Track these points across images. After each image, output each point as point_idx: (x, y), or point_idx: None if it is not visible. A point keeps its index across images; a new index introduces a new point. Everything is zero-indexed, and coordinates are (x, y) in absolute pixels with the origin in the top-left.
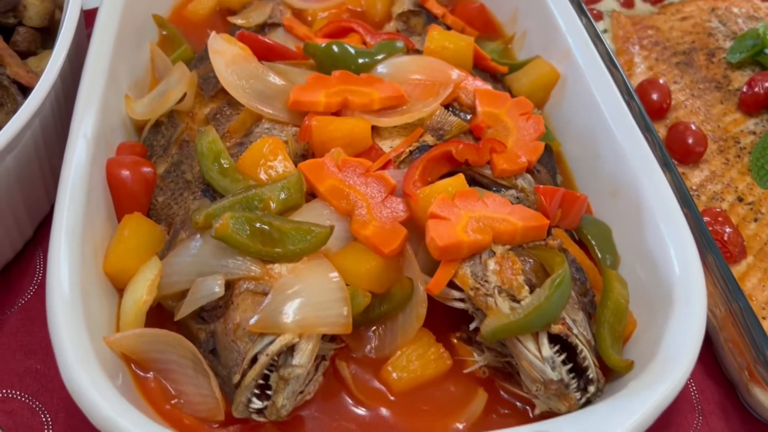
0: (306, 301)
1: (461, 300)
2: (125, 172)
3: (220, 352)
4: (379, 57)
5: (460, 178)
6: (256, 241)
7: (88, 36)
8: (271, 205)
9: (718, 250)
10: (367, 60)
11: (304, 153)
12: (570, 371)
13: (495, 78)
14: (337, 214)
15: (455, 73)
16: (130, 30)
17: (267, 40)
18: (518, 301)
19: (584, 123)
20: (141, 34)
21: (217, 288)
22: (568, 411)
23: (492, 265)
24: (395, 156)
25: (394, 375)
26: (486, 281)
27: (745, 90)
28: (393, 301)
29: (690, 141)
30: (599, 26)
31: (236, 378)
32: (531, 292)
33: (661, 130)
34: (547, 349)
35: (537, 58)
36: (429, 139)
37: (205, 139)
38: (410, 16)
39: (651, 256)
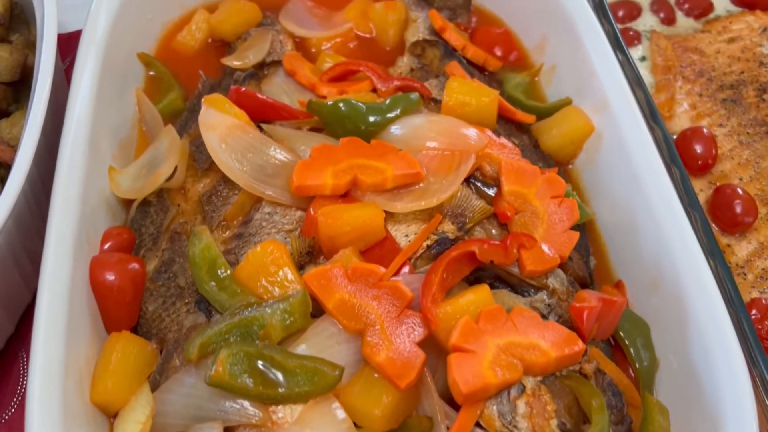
0: None
1: None
2: (111, 277)
3: None
4: (392, 115)
5: (485, 291)
6: (257, 383)
7: (67, 71)
8: (273, 332)
9: None
10: (379, 119)
11: (310, 249)
12: None
13: (521, 128)
14: (348, 333)
15: (477, 138)
16: (113, 76)
17: (266, 99)
18: None
19: (620, 190)
20: (125, 77)
21: None
22: None
23: (522, 407)
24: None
25: None
26: (515, 427)
27: None
28: None
29: (738, 210)
30: (637, 52)
31: None
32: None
33: (705, 189)
34: None
35: (569, 106)
36: (449, 228)
37: (197, 245)
38: (426, 47)
39: (693, 365)
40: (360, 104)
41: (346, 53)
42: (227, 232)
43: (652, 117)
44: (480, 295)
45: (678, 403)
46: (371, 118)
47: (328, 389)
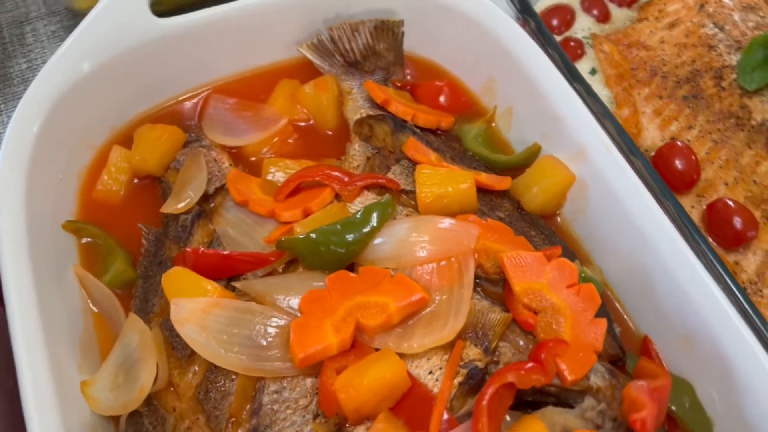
0: None
1: None
2: None
3: None
4: (369, 228)
5: (538, 425)
6: None
7: None
8: None
9: None
10: (356, 236)
11: (338, 426)
12: None
13: (499, 194)
14: None
15: (469, 233)
16: (45, 264)
17: (230, 254)
18: None
19: (621, 241)
20: (58, 259)
21: None
22: None
23: None
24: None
25: None
26: None
27: None
28: None
29: (738, 226)
30: (585, 65)
31: None
32: None
33: (695, 206)
34: None
35: (543, 157)
36: (474, 353)
37: None
38: (372, 124)
39: (746, 419)
40: (333, 227)
41: (288, 151)
42: (239, 430)
43: (629, 149)
44: (534, 428)
45: None
46: (349, 237)
47: None
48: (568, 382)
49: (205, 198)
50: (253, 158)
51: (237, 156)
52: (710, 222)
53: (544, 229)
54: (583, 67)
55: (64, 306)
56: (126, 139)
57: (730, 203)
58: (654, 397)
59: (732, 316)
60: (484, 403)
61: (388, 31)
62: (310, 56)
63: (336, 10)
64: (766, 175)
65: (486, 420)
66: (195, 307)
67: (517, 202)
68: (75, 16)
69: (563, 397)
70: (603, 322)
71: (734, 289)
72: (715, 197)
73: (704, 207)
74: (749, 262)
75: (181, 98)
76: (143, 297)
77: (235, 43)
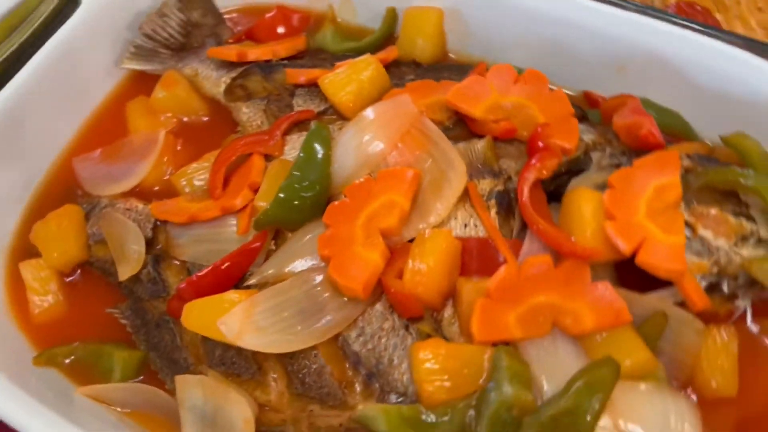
0: None
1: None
2: None
3: None
4: (321, 156)
5: (582, 193)
6: None
7: None
8: None
9: None
10: (316, 171)
11: (434, 319)
12: None
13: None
14: None
15: (403, 102)
16: (53, 413)
17: (216, 266)
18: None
19: (517, 30)
20: (58, 396)
21: None
22: None
23: (707, 234)
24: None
25: None
26: (716, 249)
27: None
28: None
29: None
30: None
31: None
32: (739, 214)
33: None
34: None
35: (405, 13)
36: (488, 185)
37: None
38: (243, 83)
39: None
40: (291, 178)
41: (183, 159)
42: (357, 386)
43: None
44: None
45: None
46: (311, 176)
47: None
48: (572, 152)
49: (149, 244)
50: (157, 187)
51: (140, 196)
52: None
53: (452, 67)
54: None
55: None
56: (23, 252)
57: None
58: (639, 111)
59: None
60: (527, 202)
61: None
62: (136, 66)
63: (132, 11)
64: None
65: (537, 217)
66: (238, 317)
67: (414, 61)
68: None
69: (575, 170)
70: (560, 91)
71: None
72: None
73: None
74: None
75: (46, 181)
76: (168, 361)
77: (56, 99)
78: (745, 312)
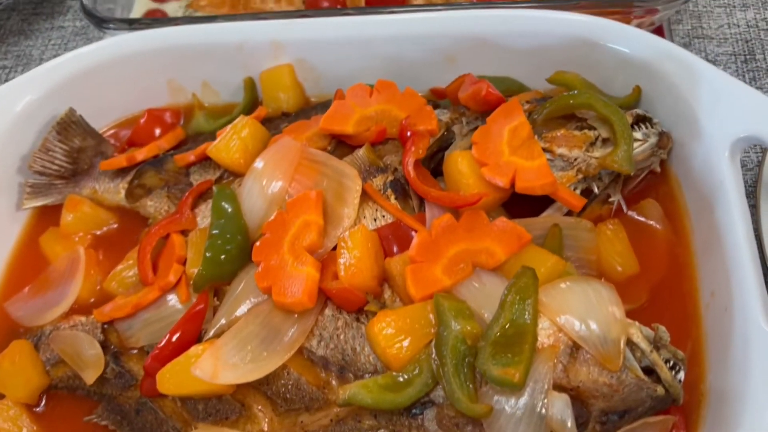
0: None
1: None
2: None
3: None
4: (231, 210)
5: (457, 156)
6: None
7: None
8: None
9: None
10: (232, 224)
11: (379, 300)
12: None
13: None
14: None
15: (286, 143)
16: None
17: (174, 339)
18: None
19: None
20: None
21: None
22: None
23: (563, 150)
24: None
25: None
26: (575, 159)
27: None
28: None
29: None
30: None
31: None
32: (582, 128)
33: None
34: None
35: None
36: (379, 180)
37: None
38: (140, 182)
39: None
40: (212, 239)
41: (106, 268)
42: (333, 383)
43: None
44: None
45: None
46: (228, 232)
47: None
48: (436, 131)
49: (104, 346)
50: (93, 299)
51: (79, 312)
52: None
53: (317, 107)
54: None
55: None
56: None
57: None
58: (475, 81)
59: None
60: (416, 179)
61: (68, 124)
62: (37, 203)
63: (17, 156)
64: None
65: (428, 188)
66: (209, 360)
67: (283, 113)
68: None
69: (444, 145)
70: (408, 89)
71: None
72: None
73: None
74: None
75: None
76: None
77: None
78: (620, 206)
